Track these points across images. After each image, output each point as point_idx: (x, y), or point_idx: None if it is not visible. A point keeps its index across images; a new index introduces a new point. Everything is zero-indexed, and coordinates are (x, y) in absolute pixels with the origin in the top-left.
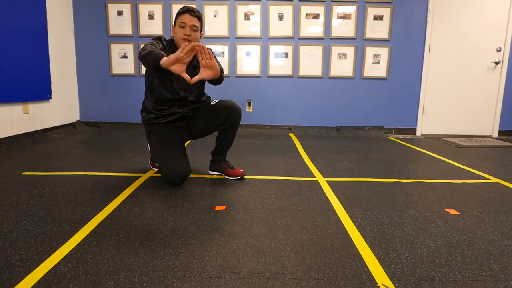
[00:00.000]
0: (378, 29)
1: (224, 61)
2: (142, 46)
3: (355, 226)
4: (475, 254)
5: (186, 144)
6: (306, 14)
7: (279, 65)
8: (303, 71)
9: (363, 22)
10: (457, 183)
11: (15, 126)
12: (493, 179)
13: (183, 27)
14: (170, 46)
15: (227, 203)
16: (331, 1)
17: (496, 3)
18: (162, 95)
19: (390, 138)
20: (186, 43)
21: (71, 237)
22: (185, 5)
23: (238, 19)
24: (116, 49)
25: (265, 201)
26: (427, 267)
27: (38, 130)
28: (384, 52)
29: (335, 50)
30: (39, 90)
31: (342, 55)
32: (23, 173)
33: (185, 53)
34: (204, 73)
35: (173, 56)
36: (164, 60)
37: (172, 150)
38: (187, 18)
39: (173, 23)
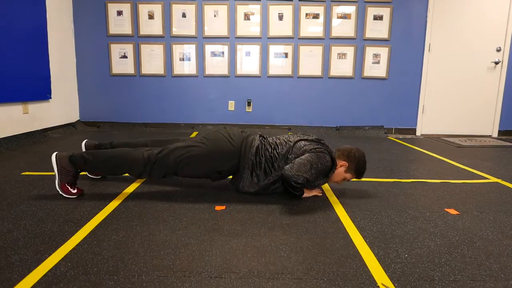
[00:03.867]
0: (378, 29)
1: (224, 61)
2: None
3: (355, 226)
4: (475, 254)
5: None
6: (306, 14)
7: (279, 65)
8: (303, 71)
9: (363, 22)
10: (457, 183)
11: (15, 126)
12: (493, 179)
13: (347, 180)
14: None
15: (227, 203)
16: (331, 1)
17: (496, 3)
18: None
19: (390, 138)
20: (320, 193)
21: (71, 237)
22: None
23: (238, 19)
24: (116, 49)
25: (265, 201)
26: (427, 267)
27: (38, 130)
28: (384, 52)
29: (335, 50)
30: (39, 90)
31: (342, 55)
32: (23, 173)
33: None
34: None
35: (313, 192)
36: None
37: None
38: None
39: (351, 169)
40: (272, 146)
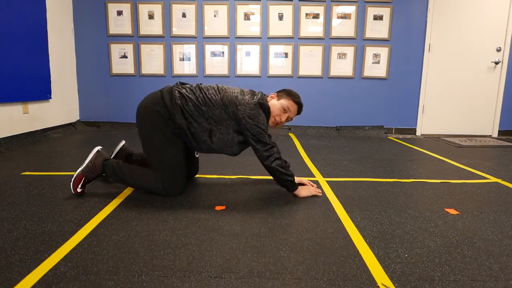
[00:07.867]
0: (378, 29)
1: (224, 61)
2: (265, 146)
3: (355, 226)
4: (475, 254)
5: None
6: (306, 14)
7: (279, 65)
8: (303, 71)
9: (363, 22)
10: (457, 183)
11: (15, 126)
12: (493, 179)
13: (285, 113)
14: (267, 117)
15: (227, 203)
16: (331, 1)
17: (496, 3)
18: (226, 150)
19: (390, 138)
20: (320, 193)
21: (71, 237)
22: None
23: (238, 19)
24: (116, 49)
25: (265, 201)
26: (427, 267)
27: (38, 130)
28: (384, 52)
29: (335, 50)
30: (39, 90)
31: (342, 55)
32: (23, 173)
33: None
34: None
35: (312, 192)
36: (300, 191)
37: (184, 166)
38: (294, 111)
39: (281, 96)
40: (191, 89)
